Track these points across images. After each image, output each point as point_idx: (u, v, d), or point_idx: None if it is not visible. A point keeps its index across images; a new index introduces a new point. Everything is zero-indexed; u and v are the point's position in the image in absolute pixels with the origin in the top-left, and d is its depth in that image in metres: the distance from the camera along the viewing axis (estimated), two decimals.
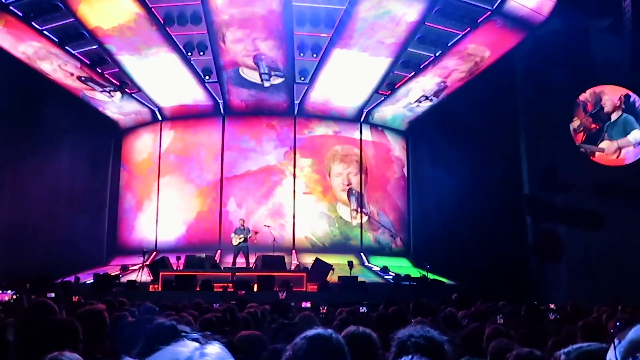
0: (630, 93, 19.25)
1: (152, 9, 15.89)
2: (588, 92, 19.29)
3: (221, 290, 13.94)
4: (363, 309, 8.01)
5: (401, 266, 19.09)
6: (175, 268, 16.12)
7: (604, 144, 19.20)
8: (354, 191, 19.84)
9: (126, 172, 21.02)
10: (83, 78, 18.68)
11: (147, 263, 16.64)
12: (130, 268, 17.47)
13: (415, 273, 17.51)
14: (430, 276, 16.57)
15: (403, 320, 5.42)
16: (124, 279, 15.99)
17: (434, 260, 17.65)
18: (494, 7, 16.49)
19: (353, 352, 2.44)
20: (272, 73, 17.96)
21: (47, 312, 3.56)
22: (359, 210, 19.74)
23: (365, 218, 19.88)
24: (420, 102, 20.04)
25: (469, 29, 17.01)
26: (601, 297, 11.85)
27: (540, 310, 7.99)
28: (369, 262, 19.08)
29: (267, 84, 18.31)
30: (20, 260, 16.53)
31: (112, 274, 16.36)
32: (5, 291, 9.32)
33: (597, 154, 19.31)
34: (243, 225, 16.84)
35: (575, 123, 19.41)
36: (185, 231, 19.24)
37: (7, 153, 18.45)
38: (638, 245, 17.36)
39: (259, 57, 17.33)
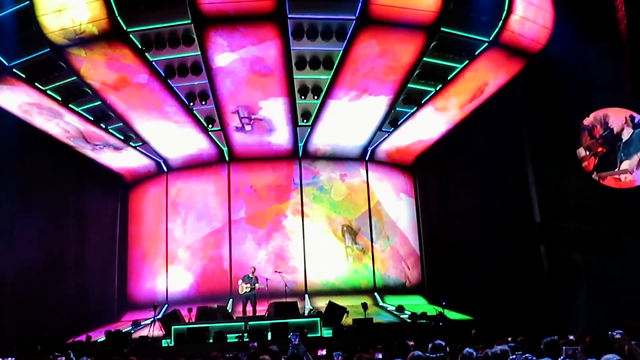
0: (634, 114, 19.13)
1: (154, 64, 16.08)
2: (592, 115, 19.18)
3: (236, 340, 13.69)
4: (378, 355, 7.76)
5: (417, 304, 18.77)
6: (187, 320, 15.90)
7: (625, 164, 18.94)
8: (349, 228, 19.59)
9: (134, 225, 20.97)
10: (80, 140, 18.84)
11: (159, 317, 16.41)
12: (142, 323, 17.25)
13: (432, 310, 17.18)
14: (447, 313, 16.23)
15: None
16: (136, 335, 15.77)
17: (450, 295, 17.32)
18: (491, 38, 16.58)
19: None
20: (252, 117, 18.02)
21: None
22: (353, 247, 19.46)
23: (363, 255, 19.58)
24: (424, 137, 20.02)
25: (467, 61, 17.08)
26: (624, 322, 11.51)
27: (560, 346, 7.71)
28: (383, 302, 18.76)
29: (248, 128, 18.33)
30: (30, 321, 16.38)
31: (123, 330, 16.14)
32: (5, 358, 9.04)
33: (606, 177, 19.05)
34: (253, 274, 16.63)
35: (582, 148, 19.26)
36: (195, 282, 19.04)
37: (13, 211, 18.45)
38: None
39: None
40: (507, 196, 19.20)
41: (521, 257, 18.69)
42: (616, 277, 17.66)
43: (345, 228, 19.54)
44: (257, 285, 16.26)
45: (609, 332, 7.12)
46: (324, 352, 9.36)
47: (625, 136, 19.11)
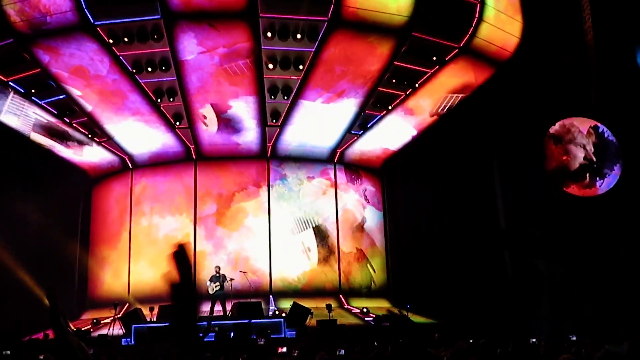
0: (599, 124, 19.51)
1: (121, 58, 15.77)
2: (558, 124, 19.51)
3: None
4: (341, 351, 7.72)
5: (381, 307, 18.76)
6: (148, 320, 15.59)
7: (589, 173, 19.23)
8: (318, 229, 19.54)
9: (97, 222, 20.54)
10: (51, 132, 18.39)
11: (119, 316, 16.07)
12: (102, 322, 16.88)
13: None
14: (412, 317, 16.25)
15: None
16: (95, 334, 15.40)
17: (415, 299, 17.37)
18: (461, 45, 16.71)
19: None
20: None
21: None
22: (322, 247, 19.41)
23: (329, 256, 19.54)
24: (393, 141, 20.08)
25: (437, 67, 17.18)
26: (585, 327, 11.71)
27: (528, 348, 7.80)
28: (348, 305, 18.71)
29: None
30: None
31: (82, 329, 15.76)
32: None
33: (570, 185, 19.38)
34: (218, 273, 16.42)
35: (548, 155, 19.55)
36: (159, 281, 18.70)
37: None
38: (618, 274, 17.32)
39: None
40: (473, 202, 19.36)
41: (486, 263, 18.86)
42: (578, 283, 17.98)
43: (315, 230, 19.47)
44: (225, 282, 16.06)
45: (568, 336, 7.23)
46: (284, 349, 9.28)
47: (589, 145, 19.49)
